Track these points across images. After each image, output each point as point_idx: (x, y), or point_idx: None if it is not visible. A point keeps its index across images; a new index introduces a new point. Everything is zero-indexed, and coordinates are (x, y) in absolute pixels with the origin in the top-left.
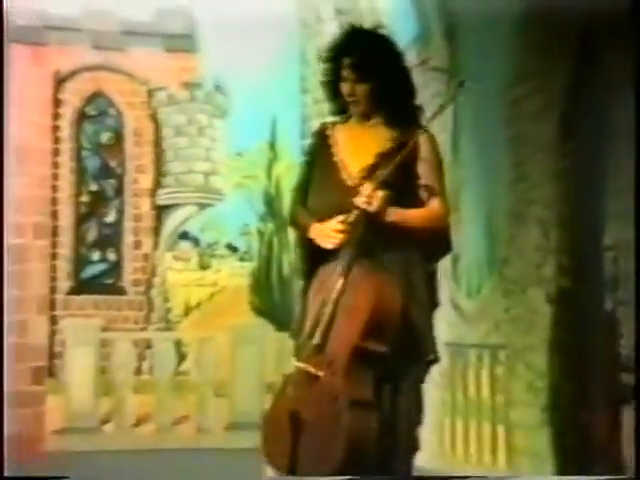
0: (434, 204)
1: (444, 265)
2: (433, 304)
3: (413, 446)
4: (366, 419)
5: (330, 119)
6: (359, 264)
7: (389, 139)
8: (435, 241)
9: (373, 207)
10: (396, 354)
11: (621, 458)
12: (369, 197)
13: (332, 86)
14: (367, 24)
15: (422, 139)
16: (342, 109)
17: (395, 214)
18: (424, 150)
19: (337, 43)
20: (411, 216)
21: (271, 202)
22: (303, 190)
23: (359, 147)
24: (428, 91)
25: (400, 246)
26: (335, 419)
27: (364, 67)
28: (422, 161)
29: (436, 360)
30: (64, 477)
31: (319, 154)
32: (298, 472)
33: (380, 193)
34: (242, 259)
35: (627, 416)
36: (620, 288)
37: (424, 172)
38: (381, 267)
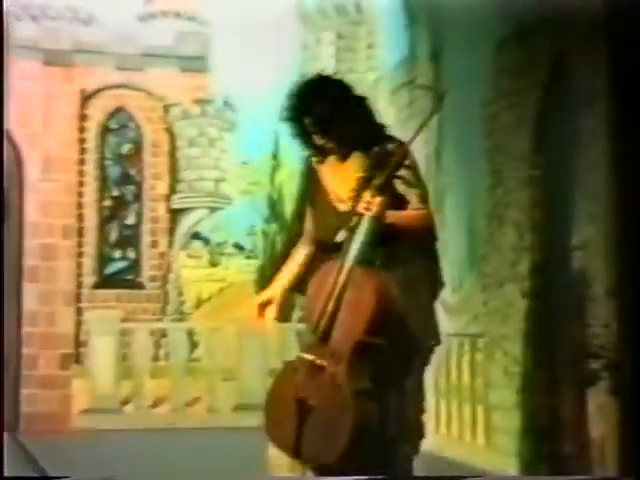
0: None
1: None
2: (434, 292)
3: (418, 433)
4: (368, 407)
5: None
6: (361, 262)
7: (368, 164)
8: (424, 235)
9: (372, 212)
10: (397, 347)
11: (587, 436)
12: (368, 203)
13: (304, 138)
14: (364, 47)
15: (403, 150)
16: (320, 151)
17: (392, 216)
18: (408, 159)
19: (295, 104)
20: (405, 216)
21: (274, 206)
22: (299, 219)
23: (344, 175)
24: (415, 107)
25: (397, 243)
26: (339, 407)
27: (326, 122)
28: (407, 168)
29: (438, 343)
30: (66, 477)
31: (310, 187)
32: (302, 453)
33: (378, 199)
34: (248, 257)
35: (593, 398)
36: (588, 284)
37: (411, 179)
38: (382, 265)
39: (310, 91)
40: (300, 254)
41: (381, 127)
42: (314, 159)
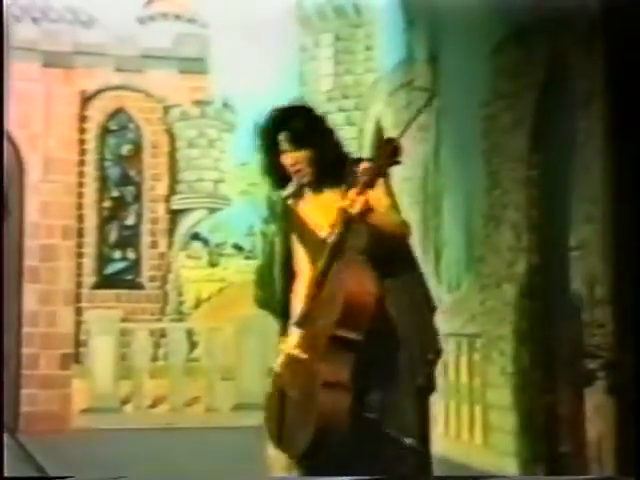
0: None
1: (427, 263)
2: (430, 306)
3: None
4: (339, 401)
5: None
6: (340, 259)
7: (344, 195)
8: (402, 244)
9: (355, 209)
10: (381, 347)
11: (584, 436)
12: (352, 201)
13: (272, 161)
14: (362, 48)
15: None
16: (284, 182)
17: (375, 217)
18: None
19: (270, 123)
20: (386, 221)
21: (273, 206)
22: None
23: (323, 207)
24: (412, 108)
25: (388, 250)
26: (310, 398)
27: (300, 136)
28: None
29: (437, 356)
30: (68, 477)
31: (291, 226)
32: (283, 443)
33: (362, 198)
34: (247, 257)
35: (590, 397)
36: (585, 284)
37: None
38: (363, 263)
39: (284, 110)
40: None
41: (348, 152)
42: (290, 200)
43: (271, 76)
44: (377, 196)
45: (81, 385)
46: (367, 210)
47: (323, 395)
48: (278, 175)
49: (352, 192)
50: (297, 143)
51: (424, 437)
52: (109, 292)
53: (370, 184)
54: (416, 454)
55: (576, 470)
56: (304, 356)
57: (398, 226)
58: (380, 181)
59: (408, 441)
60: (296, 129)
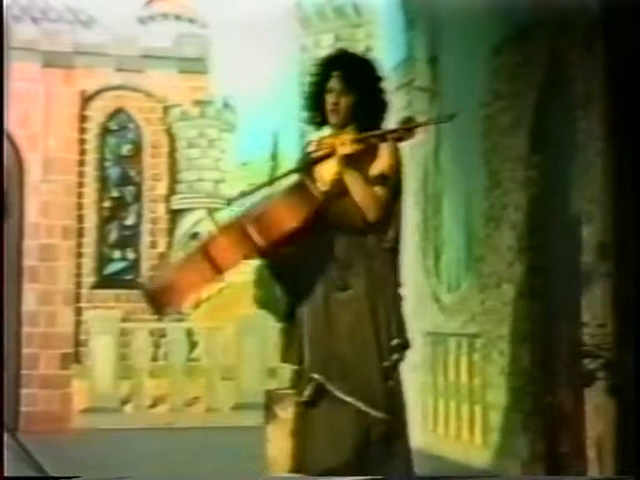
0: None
1: (427, 263)
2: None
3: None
4: None
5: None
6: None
7: (356, 144)
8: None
9: (346, 150)
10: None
11: (584, 436)
12: (344, 141)
13: (316, 97)
14: (361, 49)
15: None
16: (320, 121)
17: (351, 180)
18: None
19: (328, 58)
20: (361, 190)
21: None
22: None
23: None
24: (413, 108)
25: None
26: None
27: (351, 80)
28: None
29: (404, 346)
30: (73, 477)
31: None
32: None
33: (355, 143)
34: (247, 257)
35: (590, 398)
36: (584, 284)
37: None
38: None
39: (348, 54)
40: None
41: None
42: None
43: (272, 76)
44: (380, 164)
45: (81, 385)
46: (355, 159)
47: None
48: (316, 113)
49: (349, 136)
50: (346, 84)
51: (396, 415)
52: (109, 292)
53: (374, 141)
54: (384, 426)
55: (575, 470)
56: None
57: (370, 201)
58: (385, 150)
59: (377, 414)
60: (349, 72)
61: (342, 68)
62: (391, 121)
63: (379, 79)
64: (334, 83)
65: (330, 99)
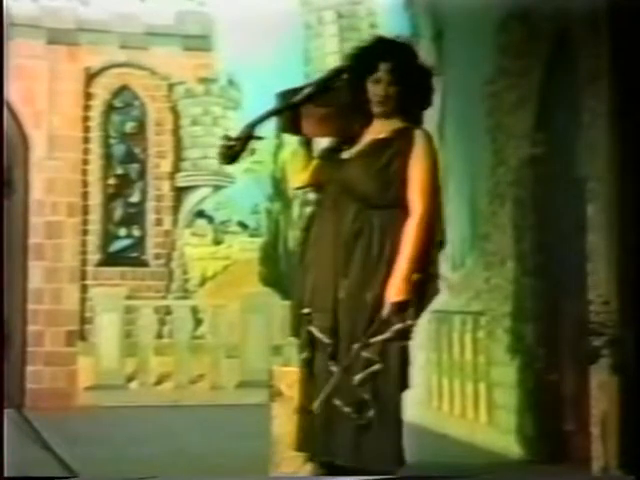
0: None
1: None
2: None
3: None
4: None
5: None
6: None
7: (389, 130)
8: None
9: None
10: None
11: (588, 414)
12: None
13: (358, 86)
14: (367, 26)
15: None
16: (361, 108)
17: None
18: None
19: (372, 48)
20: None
21: (278, 184)
22: None
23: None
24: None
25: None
26: None
27: (401, 72)
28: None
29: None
30: (72, 477)
31: None
32: None
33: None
34: (252, 235)
35: (594, 375)
36: (589, 261)
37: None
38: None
39: (391, 42)
40: None
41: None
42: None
43: (275, 54)
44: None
45: (86, 362)
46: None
47: None
48: (358, 101)
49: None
50: (395, 76)
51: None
52: (114, 269)
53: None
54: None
55: (580, 448)
56: None
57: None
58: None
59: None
60: (398, 63)
61: (391, 59)
62: None
63: (424, 68)
64: (383, 74)
65: (377, 90)
